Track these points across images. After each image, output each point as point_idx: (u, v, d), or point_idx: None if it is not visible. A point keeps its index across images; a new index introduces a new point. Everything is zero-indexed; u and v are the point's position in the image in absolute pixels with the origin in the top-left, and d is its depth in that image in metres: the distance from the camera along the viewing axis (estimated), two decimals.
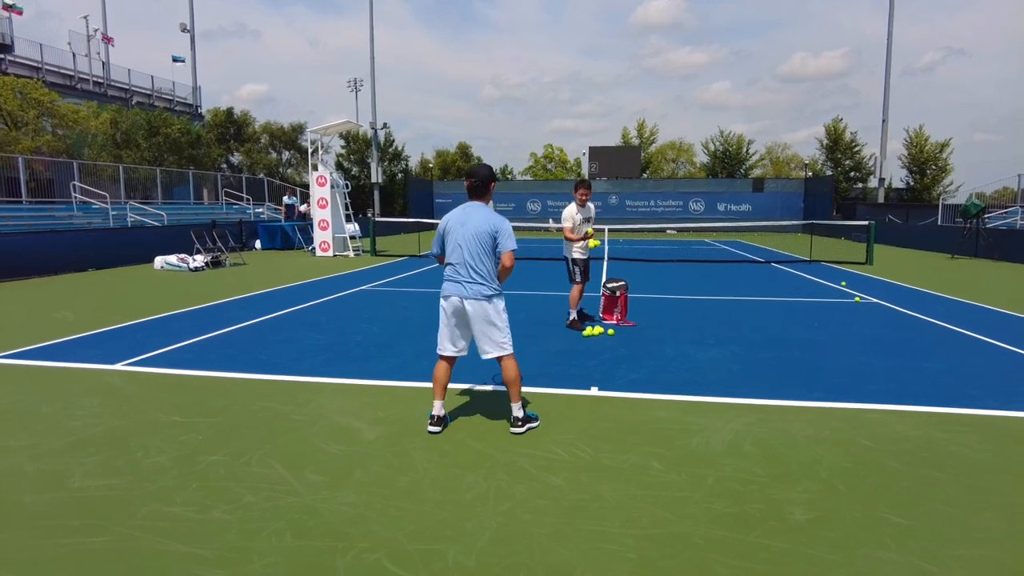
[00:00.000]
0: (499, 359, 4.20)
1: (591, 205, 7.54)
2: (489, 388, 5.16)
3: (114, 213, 19.88)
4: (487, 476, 3.53)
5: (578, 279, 7.58)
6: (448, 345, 4.24)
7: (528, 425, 4.23)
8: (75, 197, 20.13)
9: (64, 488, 3.35)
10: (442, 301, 4.22)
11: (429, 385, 5.12)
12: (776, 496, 3.27)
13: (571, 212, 7.33)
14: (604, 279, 8.24)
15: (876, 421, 4.41)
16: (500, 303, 4.17)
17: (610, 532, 2.91)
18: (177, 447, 3.91)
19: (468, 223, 4.10)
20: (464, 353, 4.31)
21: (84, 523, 2.97)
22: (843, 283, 12.07)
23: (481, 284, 4.07)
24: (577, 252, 7.54)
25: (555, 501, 3.23)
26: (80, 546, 2.77)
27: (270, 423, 4.35)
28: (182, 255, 14.72)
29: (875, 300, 10.03)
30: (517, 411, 4.21)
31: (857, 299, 10.10)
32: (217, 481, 3.43)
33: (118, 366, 5.81)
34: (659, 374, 5.65)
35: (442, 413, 4.23)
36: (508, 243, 4.10)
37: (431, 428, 4.17)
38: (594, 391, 5.12)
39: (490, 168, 4.34)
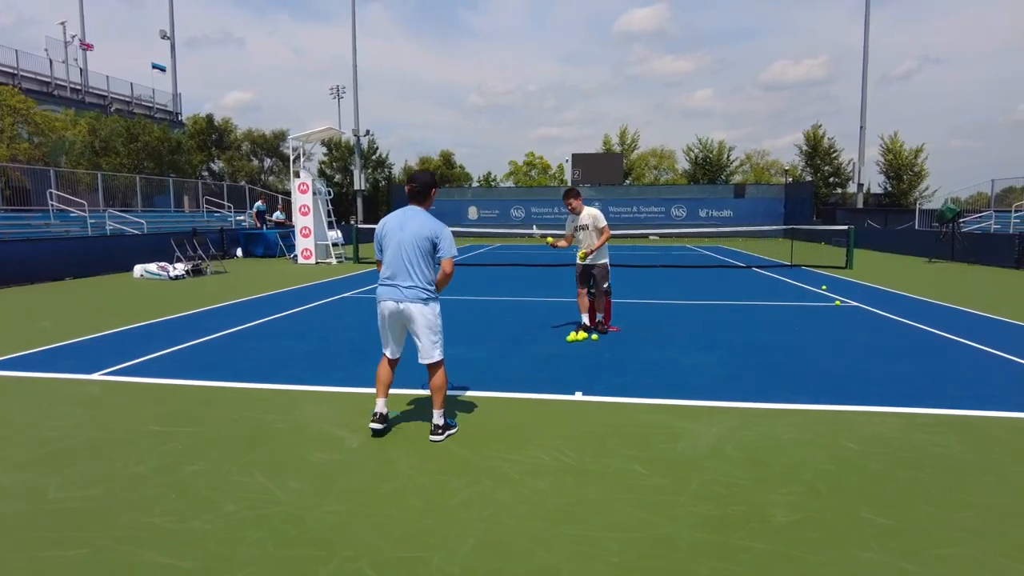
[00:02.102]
0: (429, 365, 4.20)
1: (590, 211, 7.40)
2: (472, 394, 5.15)
3: (92, 221, 19.59)
4: (471, 482, 3.51)
5: (578, 285, 7.60)
6: (387, 349, 4.30)
7: (448, 432, 4.22)
8: (52, 205, 19.83)
9: (42, 499, 3.28)
10: (378, 306, 4.20)
11: (414, 392, 5.13)
12: (759, 498, 3.29)
13: (568, 222, 7.66)
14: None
15: (857, 423, 4.46)
16: (436, 307, 4.17)
17: (594, 536, 2.91)
18: (157, 457, 3.85)
19: (407, 227, 4.08)
20: (399, 355, 4.34)
21: (62, 535, 2.92)
22: (824, 287, 12.22)
23: (417, 288, 4.07)
24: (578, 259, 7.56)
25: (539, 506, 3.22)
26: (58, 558, 2.72)
27: (251, 432, 4.31)
28: (162, 263, 14.54)
29: (855, 304, 10.16)
30: (438, 418, 4.19)
31: (837, 303, 10.22)
32: (197, 491, 3.38)
33: (96, 376, 5.72)
34: (643, 379, 5.67)
35: (385, 411, 4.22)
36: (450, 249, 4.10)
37: (373, 425, 4.16)
38: (578, 396, 5.13)
39: (431, 174, 4.37)
